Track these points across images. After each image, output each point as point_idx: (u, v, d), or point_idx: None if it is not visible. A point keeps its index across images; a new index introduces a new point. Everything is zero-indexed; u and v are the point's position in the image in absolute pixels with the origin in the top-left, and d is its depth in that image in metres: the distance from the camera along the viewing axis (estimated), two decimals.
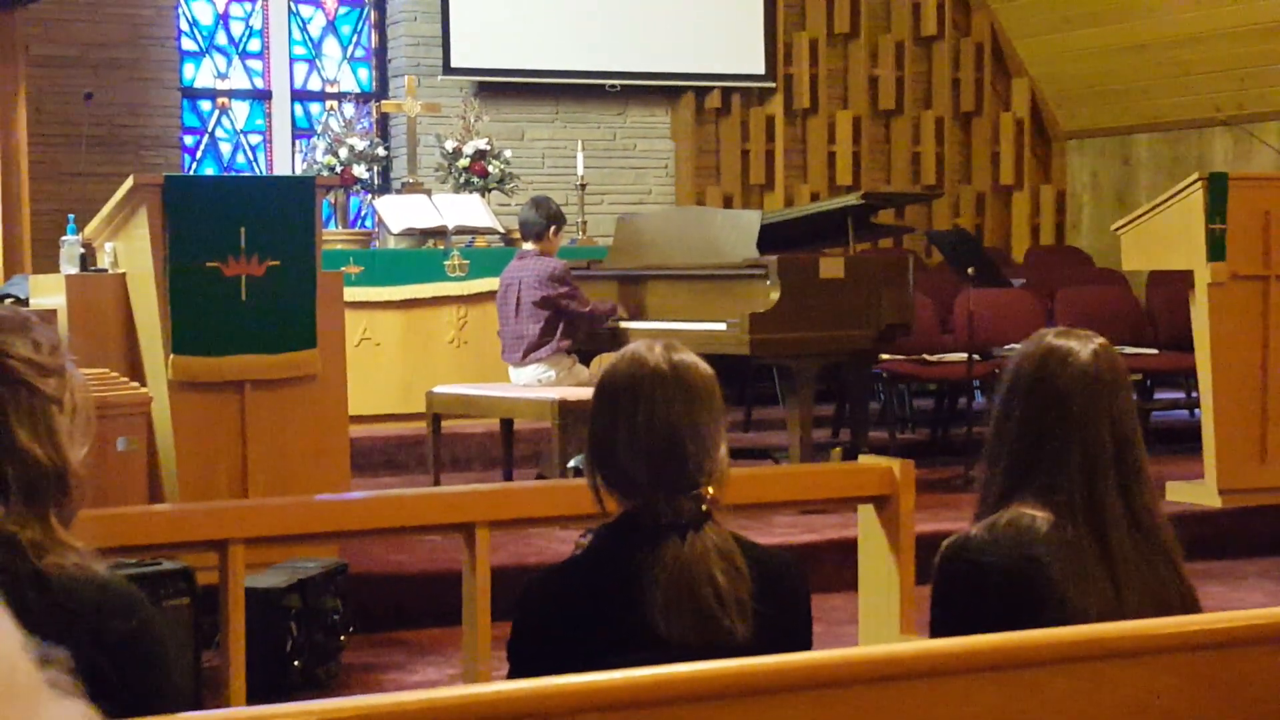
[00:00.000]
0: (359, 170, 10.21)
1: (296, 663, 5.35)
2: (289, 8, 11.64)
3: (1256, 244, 7.63)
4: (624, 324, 7.96)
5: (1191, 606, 2.77)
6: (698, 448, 2.65)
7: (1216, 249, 7.53)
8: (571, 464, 7.28)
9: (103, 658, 2.01)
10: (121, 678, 2.04)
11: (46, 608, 2.01)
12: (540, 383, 7.88)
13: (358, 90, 11.65)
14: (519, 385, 7.97)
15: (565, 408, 7.34)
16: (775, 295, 7.42)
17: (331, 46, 11.82)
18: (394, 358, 9.49)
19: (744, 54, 12.39)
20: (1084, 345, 2.81)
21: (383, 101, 11.23)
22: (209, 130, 11.42)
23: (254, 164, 11.52)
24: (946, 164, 13.23)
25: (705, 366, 2.73)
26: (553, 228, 8.03)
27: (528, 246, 8.09)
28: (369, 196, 10.84)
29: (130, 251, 6.27)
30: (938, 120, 13.19)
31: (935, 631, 2.78)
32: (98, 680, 1.98)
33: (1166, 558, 2.77)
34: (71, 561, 2.08)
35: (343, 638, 5.58)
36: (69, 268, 6.46)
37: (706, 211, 9.88)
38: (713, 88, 12.35)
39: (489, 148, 10.55)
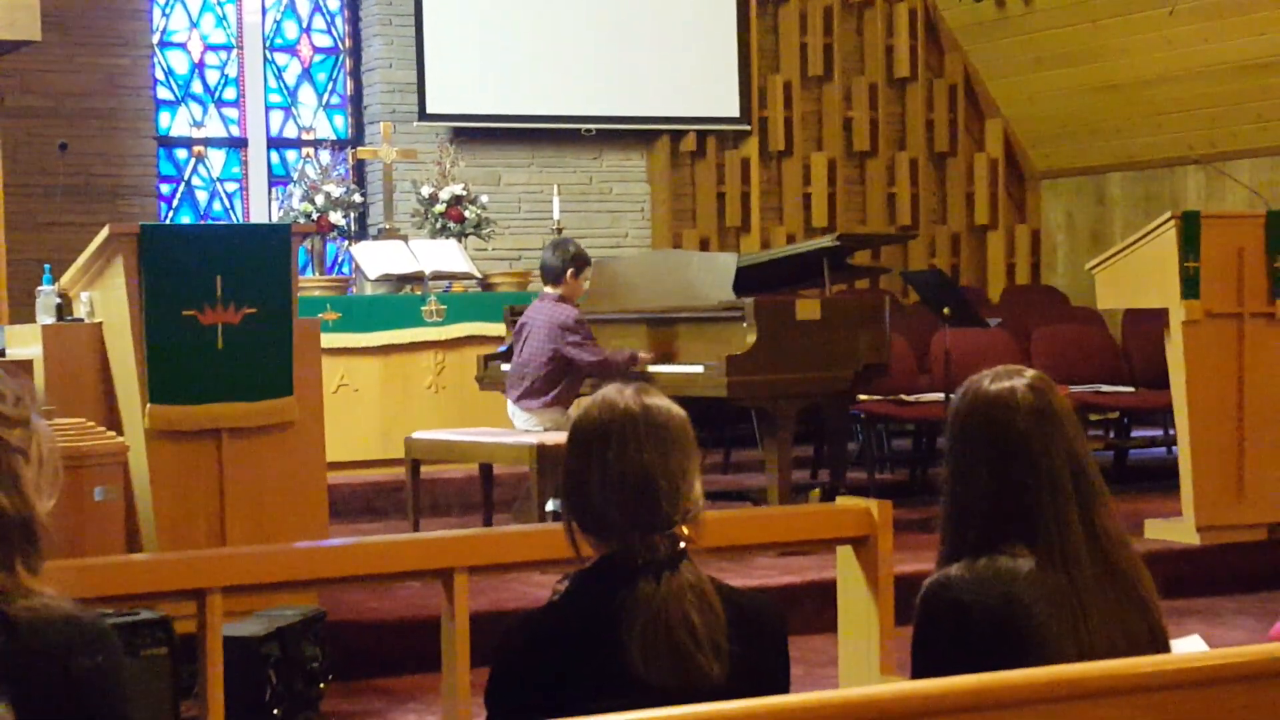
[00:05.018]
0: (335, 217, 10.22)
1: (276, 711, 5.33)
2: (264, 56, 11.66)
3: (1230, 282, 7.66)
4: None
5: (1159, 636, 2.78)
6: (671, 487, 2.65)
7: (1190, 287, 7.56)
8: (549, 507, 7.27)
9: (66, 696, 2.02)
10: (80, 713, 2.04)
11: (13, 652, 2.01)
12: (529, 428, 7.80)
13: (334, 137, 11.67)
14: (511, 429, 7.88)
15: (543, 452, 7.31)
16: (752, 337, 7.42)
17: (307, 94, 11.84)
18: (372, 404, 9.48)
19: (719, 97, 12.43)
20: (1021, 382, 2.83)
21: (359, 148, 11.24)
22: (185, 179, 11.42)
23: (230, 212, 11.51)
24: (921, 205, 13.27)
25: (677, 409, 2.74)
26: (570, 270, 7.79)
27: (547, 290, 7.86)
28: (345, 243, 10.85)
29: (107, 301, 6.26)
30: (912, 161, 13.25)
31: (917, 671, 2.77)
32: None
33: (1133, 586, 2.78)
34: (40, 602, 2.08)
35: (322, 685, 5.56)
36: (45, 318, 6.44)
37: (683, 254, 9.91)
38: (688, 131, 12.39)
39: (465, 193, 10.57)
